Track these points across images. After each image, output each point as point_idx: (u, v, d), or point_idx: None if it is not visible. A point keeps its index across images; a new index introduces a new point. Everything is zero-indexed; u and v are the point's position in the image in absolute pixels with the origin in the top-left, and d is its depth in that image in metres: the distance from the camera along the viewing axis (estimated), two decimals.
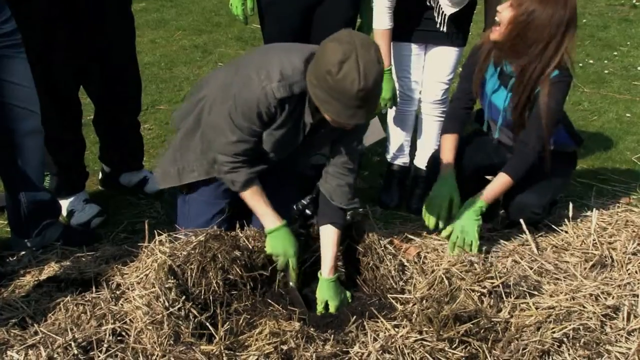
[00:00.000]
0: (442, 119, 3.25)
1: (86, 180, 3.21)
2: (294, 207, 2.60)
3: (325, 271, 2.43)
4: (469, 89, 2.81)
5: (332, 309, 2.40)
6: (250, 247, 2.46)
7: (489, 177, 2.88)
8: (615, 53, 5.70)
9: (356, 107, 2.07)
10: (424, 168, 3.32)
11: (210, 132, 2.41)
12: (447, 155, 2.79)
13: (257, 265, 2.46)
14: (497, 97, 2.73)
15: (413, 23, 3.04)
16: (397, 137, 3.36)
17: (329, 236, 2.45)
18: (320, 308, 2.42)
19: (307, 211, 2.59)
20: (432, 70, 3.17)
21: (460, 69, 2.96)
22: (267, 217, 2.40)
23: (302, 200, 2.59)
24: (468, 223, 2.63)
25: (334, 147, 2.44)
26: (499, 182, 2.68)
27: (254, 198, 2.40)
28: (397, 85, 3.24)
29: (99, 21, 2.84)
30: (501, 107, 2.72)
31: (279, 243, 2.38)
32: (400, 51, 3.15)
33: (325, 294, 2.41)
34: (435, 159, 2.92)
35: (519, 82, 2.58)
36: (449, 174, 2.75)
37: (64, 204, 3.05)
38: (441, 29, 3.02)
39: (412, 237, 2.83)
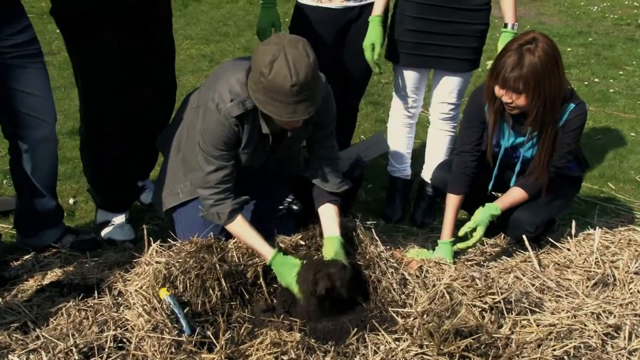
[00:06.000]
0: (452, 133, 3.28)
1: (133, 201, 3.20)
2: (280, 207, 2.63)
3: (335, 230, 2.46)
4: (474, 137, 2.79)
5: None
6: (236, 259, 2.46)
7: (495, 193, 2.91)
8: (621, 72, 5.71)
9: (295, 103, 2.15)
10: (431, 182, 3.33)
11: (187, 168, 2.53)
12: (449, 220, 2.82)
13: (246, 278, 2.48)
14: (517, 145, 2.75)
15: (421, 49, 3.04)
16: (399, 150, 3.37)
17: (329, 210, 2.51)
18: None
19: (294, 206, 2.64)
20: (440, 93, 3.18)
21: (462, 116, 2.93)
22: (260, 247, 2.41)
23: (287, 198, 2.64)
24: (482, 219, 2.69)
25: (311, 145, 2.54)
26: (515, 195, 2.75)
27: (242, 227, 2.42)
28: (396, 99, 3.26)
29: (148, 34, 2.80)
30: (522, 152, 2.74)
31: (282, 274, 2.37)
32: (403, 75, 3.16)
33: (337, 251, 2.40)
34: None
35: (535, 121, 2.58)
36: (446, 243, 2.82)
37: (106, 214, 3.03)
38: None
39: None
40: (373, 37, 2.96)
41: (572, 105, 2.62)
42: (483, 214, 2.70)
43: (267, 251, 2.39)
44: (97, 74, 2.70)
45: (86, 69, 2.74)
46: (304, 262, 2.35)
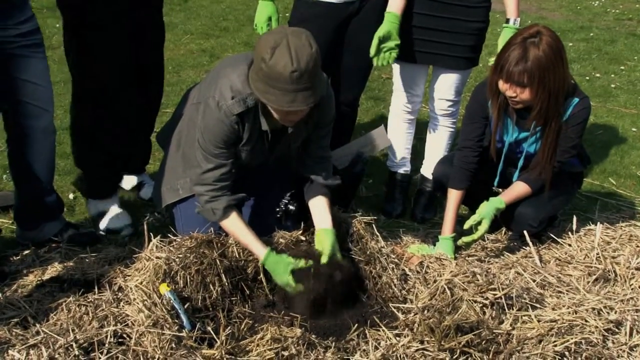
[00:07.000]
0: (452, 129, 3.28)
1: (118, 184, 3.21)
2: (277, 209, 2.63)
3: (327, 223, 2.44)
4: (476, 133, 2.79)
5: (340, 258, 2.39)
6: (237, 255, 2.46)
7: (495, 189, 2.90)
8: (622, 67, 5.70)
9: (294, 92, 2.13)
10: (431, 177, 3.33)
11: (187, 164, 2.53)
12: (450, 215, 2.82)
13: (247, 274, 2.47)
14: (520, 140, 2.75)
15: (419, 45, 3.04)
16: (399, 145, 3.37)
17: (320, 202, 2.50)
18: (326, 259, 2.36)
19: (290, 207, 2.63)
20: (439, 89, 3.17)
21: (464, 111, 2.93)
22: (253, 246, 2.38)
23: (284, 199, 2.63)
24: (487, 212, 2.68)
25: (307, 143, 2.54)
26: (519, 190, 2.75)
27: (236, 225, 2.39)
28: (395, 94, 3.26)
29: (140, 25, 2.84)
30: (525, 147, 2.73)
31: (276, 273, 2.35)
32: (402, 71, 3.16)
33: (332, 243, 2.38)
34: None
35: (539, 115, 2.57)
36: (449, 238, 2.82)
37: (96, 205, 3.04)
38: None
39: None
40: (385, 29, 2.87)
41: (576, 99, 2.62)
42: (488, 208, 2.69)
43: (259, 250, 2.37)
44: (95, 61, 2.75)
45: (84, 60, 2.79)
46: (300, 263, 2.33)
